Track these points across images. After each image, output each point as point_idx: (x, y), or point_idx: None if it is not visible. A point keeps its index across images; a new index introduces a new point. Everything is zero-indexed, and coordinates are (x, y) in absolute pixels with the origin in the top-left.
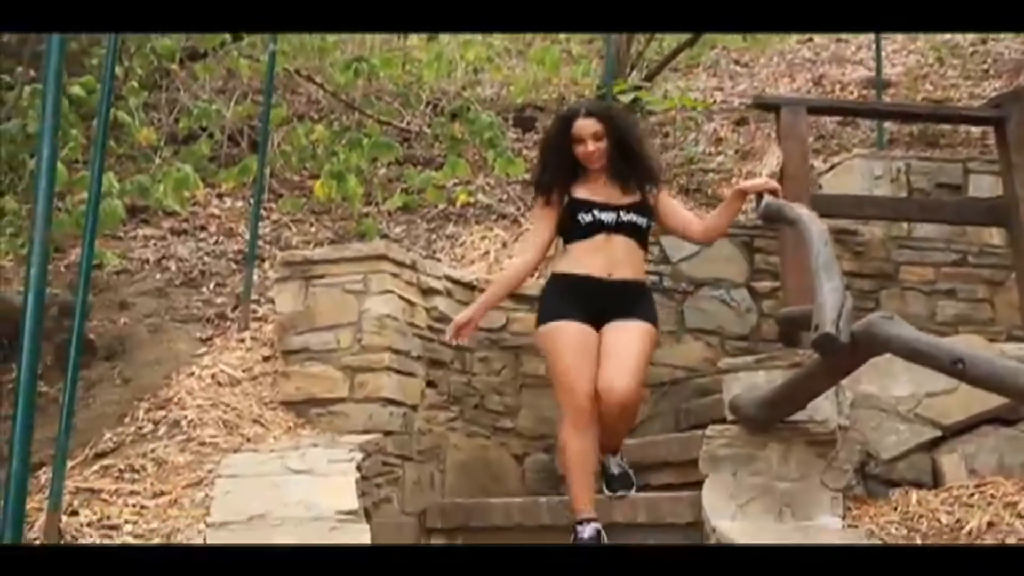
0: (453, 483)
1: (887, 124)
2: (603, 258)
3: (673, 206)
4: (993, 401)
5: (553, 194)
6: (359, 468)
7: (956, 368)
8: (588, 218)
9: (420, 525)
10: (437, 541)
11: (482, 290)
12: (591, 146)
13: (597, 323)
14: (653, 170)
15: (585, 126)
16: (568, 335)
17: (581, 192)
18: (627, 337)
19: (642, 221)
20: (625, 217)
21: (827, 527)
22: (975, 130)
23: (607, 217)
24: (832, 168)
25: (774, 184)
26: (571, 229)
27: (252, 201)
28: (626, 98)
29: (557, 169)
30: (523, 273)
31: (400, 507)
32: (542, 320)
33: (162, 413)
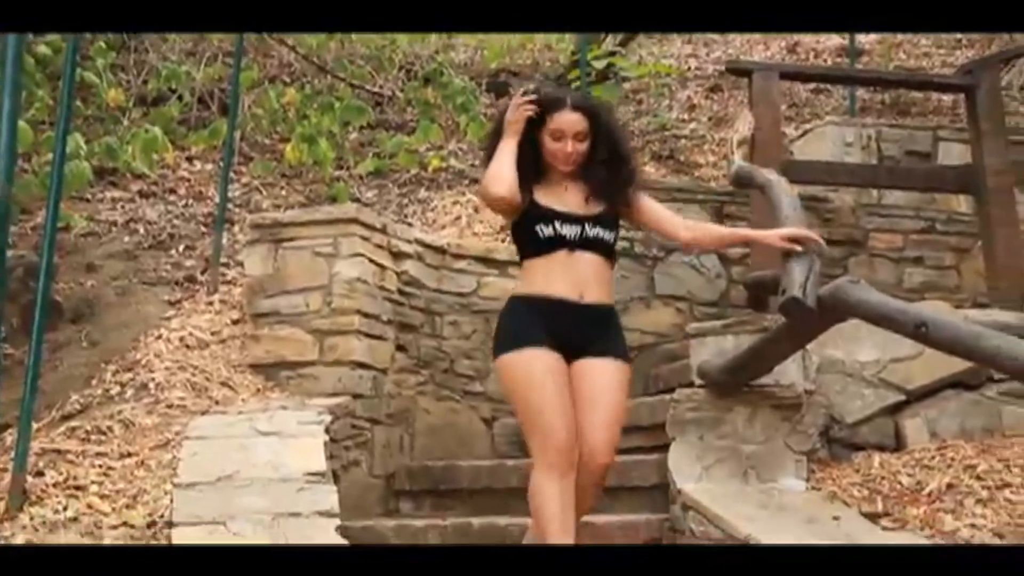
0: (422, 446)
1: (859, 92)
2: (570, 278)
3: (651, 203)
4: (956, 366)
5: (525, 187)
6: (328, 430)
7: (920, 332)
8: (548, 231)
9: (388, 487)
10: (406, 504)
11: (454, 254)
12: (570, 146)
13: (565, 354)
14: (634, 174)
15: (570, 122)
16: (542, 365)
17: (541, 196)
18: (606, 384)
19: (610, 236)
20: (591, 231)
21: (791, 489)
22: (946, 98)
23: (570, 231)
24: (804, 135)
25: (792, 243)
26: (527, 241)
27: (222, 164)
28: (600, 64)
29: (534, 164)
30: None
31: (369, 470)
32: (505, 348)
33: (129, 375)
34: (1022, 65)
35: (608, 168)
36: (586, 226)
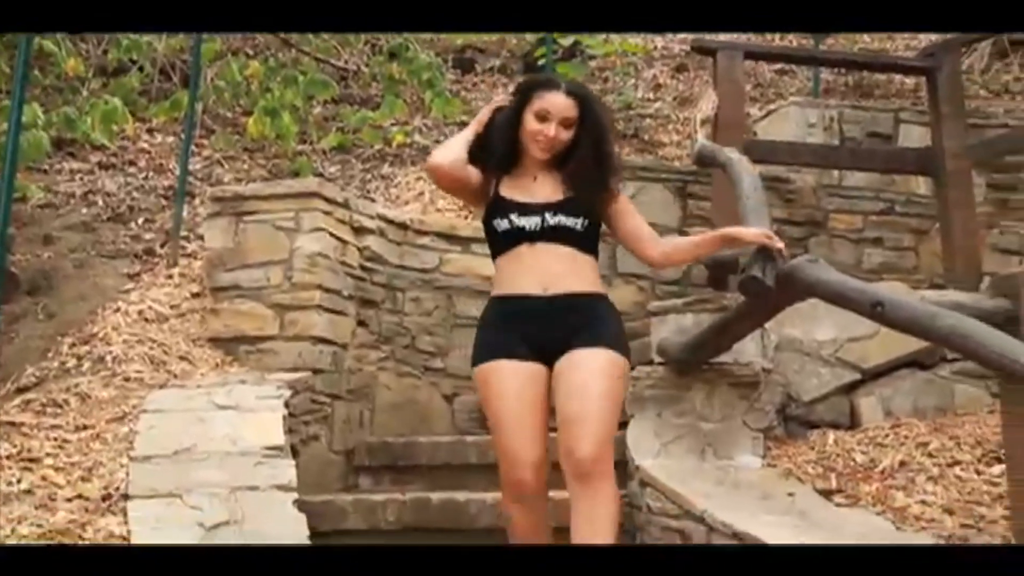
0: (382, 422)
1: (824, 74)
2: (534, 274)
3: (628, 213)
4: (911, 346)
5: (490, 168)
6: (287, 405)
7: (876, 311)
8: (504, 225)
9: (348, 463)
10: (365, 479)
11: (416, 230)
12: (554, 130)
13: (547, 355)
14: (616, 169)
15: (561, 105)
16: (504, 380)
17: (505, 187)
18: (585, 377)
19: (574, 222)
20: (552, 220)
21: (747, 466)
22: (909, 81)
23: (527, 222)
24: (767, 115)
25: (772, 241)
26: (490, 237)
27: (183, 136)
28: (567, 42)
29: (505, 145)
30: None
31: (328, 445)
32: (474, 358)
33: (86, 348)
34: (984, 49)
35: (587, 163)
36: (546, 215)
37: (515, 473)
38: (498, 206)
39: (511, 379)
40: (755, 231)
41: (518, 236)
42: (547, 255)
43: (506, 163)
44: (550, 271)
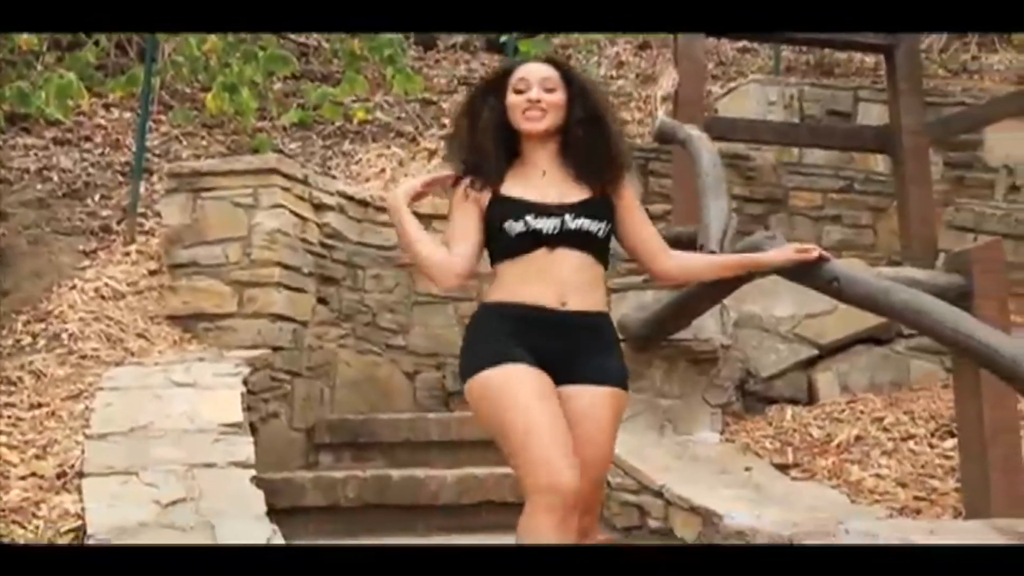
0: (343, 399)
1: (785, 52)
2: (548, 282)
3: (637, 219)
4: (868, 321)
5: (483, 183)
6: (245, 382)
7: (832, 286)
8: (519, 227)
9: (309, 440)
10: (326, 456)
11: (377, 208)
12: (536, 92)
13: (551, 373)
14: (621, 157)
15: (534, 70)
16: (522, 383)
17: (510, 186)
18: (594, 426)
19: (598, 226)
20: (573, 223)
21: (705, 441)
22: (869, 60)
23: (546, 225)
24: (728, 93)
25: (807, 253)
26: (497, 242)
27: (140, 112)
28: None
29: (488, 138)
30: (446, 266)
31: (288, 422)
32: (475, 366)
33: (41, 326)
34: None
35: (587, 132)
36: (566, 217)
37: (561, 480)
38: (507, 206)
39: (529, 382)
40: (781, 255)
41: (535, 240)
42: (565, 262)
43: (509, 163)
44: (568, 281)
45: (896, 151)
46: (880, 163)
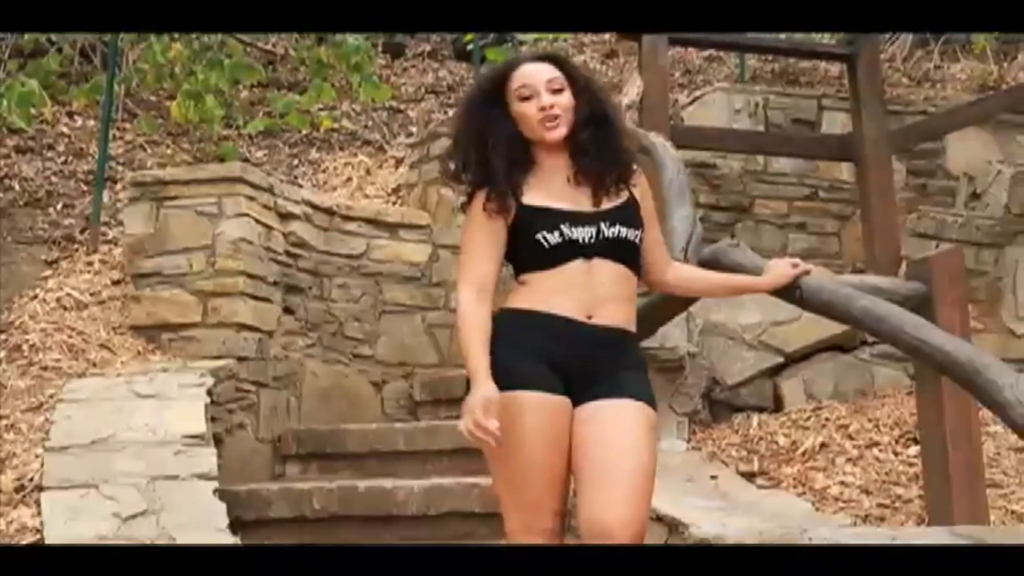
0: (310, 410)
1: (751, 61)
2: (580, 293)
3: (648, 222)
4: (833, 329)
5: (503, 194)
6: (210, 393)
7: (795, 295)
8: (555, 238)
9: (275, 451)
10: (292, 467)
11: (343, 216)
12: (546, 99)
13: (571, 390)
14: (629, 153)
15: (535, 71)
16: (526, 416)
17: (535, 195)
18: (624, 444)
19: (635, 234)
20: (610, 231)
21: (672, 449)
22: (833, 68)
23: (583, 233)
24: (694, 101)
25: (796, 269)
26: (527, 252)
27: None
28: None
29: (498, 152)
30: (487, 320)
31: (254, 433)
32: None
33: (2, 337)
34: (906, 38)
35: (596, 131)
36: (603, 225)
37: (537, 522)
38: (538, 216)
39: (535, 414)
40: (777, 280)
41: (572, 250)
42: (602, 273)
43: (527, 172)
44: (600, 294)
45: (859, 159)
46: (845, 171)
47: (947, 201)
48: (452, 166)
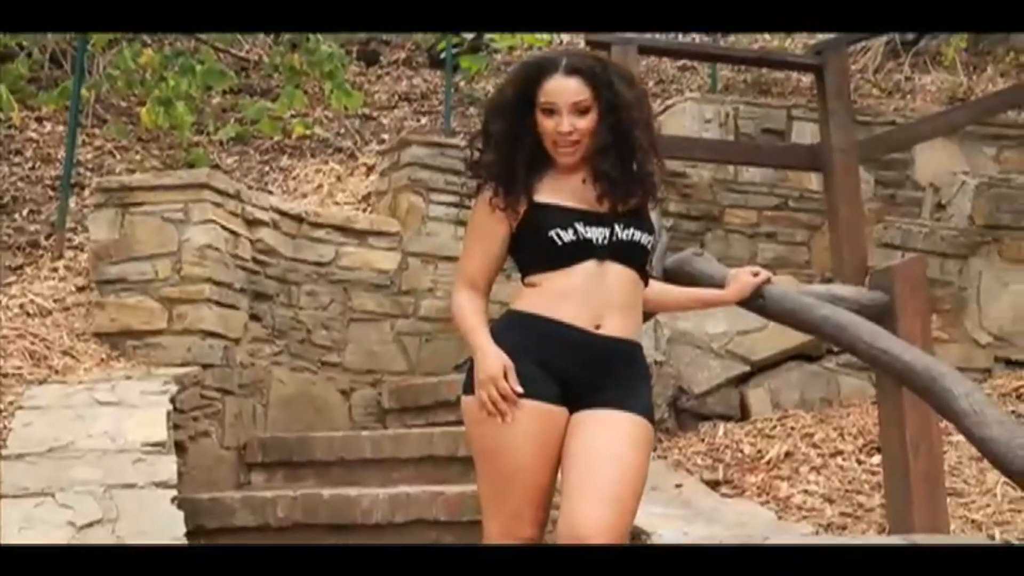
0: (277, 417)
1: (723, 71)
2: (590, 300)
3: None
4: (799, 338)
5: (513, 192)
6: (173, 401)
7: (757, 303)
8: (569, 236)
9: (240, 459)
10: (258, 476)
11: (312, 223)
12: (567, 124)
13: (571, 398)
14: (653, 186)
15: (563, 90)
16: (519, 424)
17: (548, 193)
18: (611, 450)
19: (648, 239)
20: (623, 233)
21: None
22: (805, 79)
23: (597, 234)
24: (665, 110)
25: (757, 277)
26: (538, 249)
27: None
28: (469, 34)
29: (520, 150)
30: (483, 306)
31: (219, 441)
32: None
33: None
34: (877, 49)
35: (615, 155)
36: (616, 227)
37: (517, 530)
38: (552, 214)
39: (527, 424)
40: (740, 292)
41: (585, 250)
42: (614, 278)
43: (541, 168)
44: (609, 301)
45: (827, 169)
46: (814, 181)
47: (915, 211)
48: (473, 155)
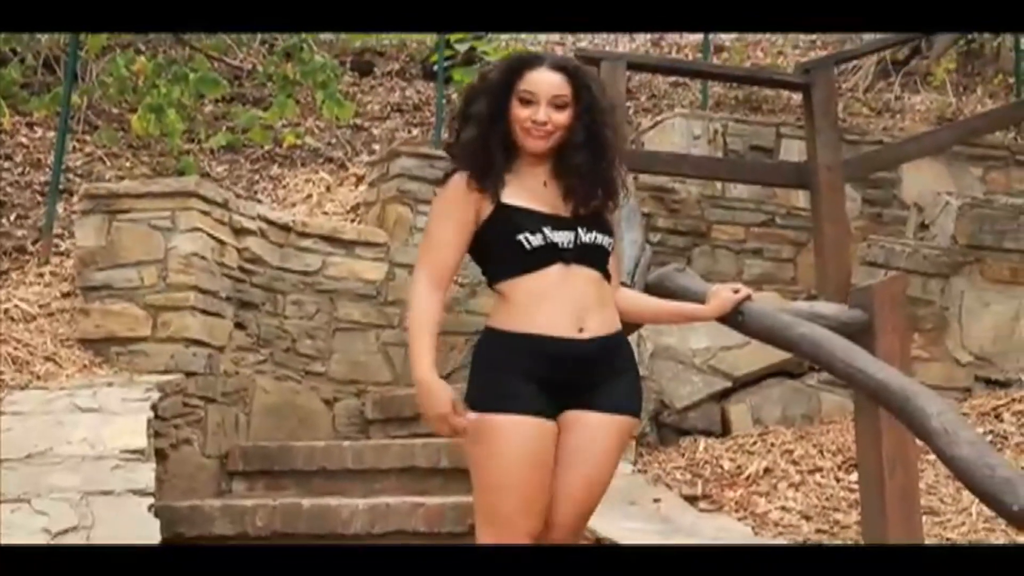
0: (260, 426)
1: (715, 88)
2: (564, 303)
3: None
4: (781, 355)
5: (489, 175)
6: (155, 408)
7: (737, 319)
8: (537, 240)
9: (222, 468)
10: (239, 484)
11: (299, 232)
12: (543, 114)
13: (563, 403)
14: (615, 184)
15: (547, 83)
16: (511, 440)
17: (511, 194)
18: (594, 448)
19: (608, 241)
20: (587, 236)
21: (617, 472)
22: (795, 97)
23: (562, 238)
24: (655, 126)
25: (738, 295)
26: (505, 254)
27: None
28: (463, 47)
29: (495, 133)
30: (440, 314)
31: (200, 449)
32: (478, 407)
33: None
34: (868, 69)
35: (585, 156)
36: (580, 231)
37: (509, 539)
38: (519, 217)
39: (519, 439)
40: (715, 307)
41: (552, 254)
42: (580, 280)
43: (507, 168)
44: (583, 303)
45: (813, 186)
46: (801, 198)
47: (901, 230)
48: (451, 135)
